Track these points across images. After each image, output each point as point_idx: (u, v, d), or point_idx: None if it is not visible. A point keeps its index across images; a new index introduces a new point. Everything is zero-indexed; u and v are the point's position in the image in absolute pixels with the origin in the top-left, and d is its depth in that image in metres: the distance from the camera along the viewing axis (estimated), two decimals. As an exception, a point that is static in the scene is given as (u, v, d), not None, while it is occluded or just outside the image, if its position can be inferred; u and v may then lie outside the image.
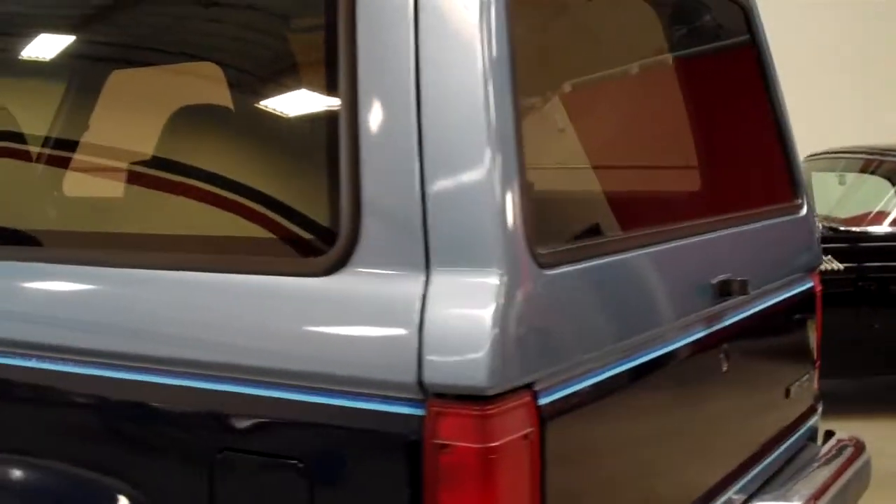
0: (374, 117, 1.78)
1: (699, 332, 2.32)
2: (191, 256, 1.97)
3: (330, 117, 1.82)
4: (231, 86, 2.33)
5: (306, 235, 1.91)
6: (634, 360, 2.04)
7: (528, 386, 1.73)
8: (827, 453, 3.03)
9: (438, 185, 1.73)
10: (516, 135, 1.75)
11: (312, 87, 2.02)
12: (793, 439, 2.95)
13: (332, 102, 1.83)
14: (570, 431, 1.84)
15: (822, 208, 6.84)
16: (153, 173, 2.34)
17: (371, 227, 1.76)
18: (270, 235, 2.01)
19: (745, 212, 2.72)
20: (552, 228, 1.90)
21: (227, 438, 1.86)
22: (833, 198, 7.14)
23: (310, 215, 1.94)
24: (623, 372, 2.00)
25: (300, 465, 1.77)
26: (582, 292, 1.90)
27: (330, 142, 1.81)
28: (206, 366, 1.86)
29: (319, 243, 1.82)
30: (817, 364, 3.17)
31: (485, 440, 1.65)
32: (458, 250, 1.72)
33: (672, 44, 3.00)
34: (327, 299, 1.78)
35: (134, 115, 2.63)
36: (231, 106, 2.36)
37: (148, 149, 2.35)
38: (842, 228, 6.31)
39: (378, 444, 1.72)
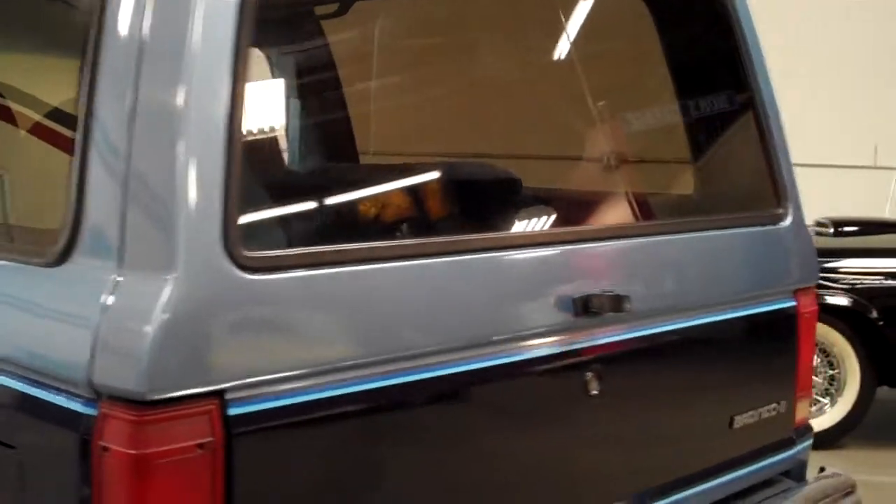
0: (104, 107, 1.75)
1: (535, 351, 2.12)
2: None
3: (74, 105, 1.81)
4: None
5: (45, 226, 1.91)
6: (391, 378, 1.86)
7: (217, 394, 1.66)
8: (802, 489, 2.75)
9: (140, 178, 1.68)
10: (229, 129, 1.68)
11: (66, 75, 2.01)
12: (741, 472, 2.66)
13: (79, 92, 1.81)
14: (275, 447, 1.74)
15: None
16: None
17: (88, 221, 1.74)
18: (27, 225, 2.03)
19: (668, 220, 2.47)
20: (273, 230, 1.80)
21: None
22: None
23: (50, 204, 1.94)
24: (373, 390, 1.84)
25: (16, 455, 1.78)
26: (306, 302, 1.77)
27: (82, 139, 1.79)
28: None
29: (56, 235, 1.81)
30: (799, 393, 2.83)
31: (139, 446, 1.59)
32: (147, 249, 1.67)
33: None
34: (41, 290, 1.80)
35: None
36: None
37: None
38: None
39: (66, 441, 1.70)
